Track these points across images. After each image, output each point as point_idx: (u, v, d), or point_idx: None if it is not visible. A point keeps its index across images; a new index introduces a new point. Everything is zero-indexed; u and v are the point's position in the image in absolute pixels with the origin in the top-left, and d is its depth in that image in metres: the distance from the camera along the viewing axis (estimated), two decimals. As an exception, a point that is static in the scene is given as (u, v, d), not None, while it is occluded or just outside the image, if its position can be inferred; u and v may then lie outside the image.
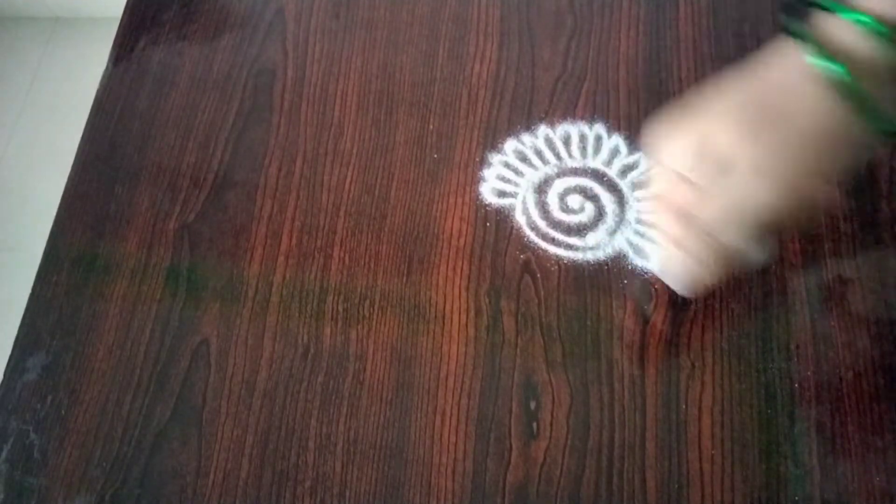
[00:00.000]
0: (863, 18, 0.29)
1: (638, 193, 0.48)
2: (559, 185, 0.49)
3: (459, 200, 0.49)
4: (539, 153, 0.50)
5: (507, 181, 0.49)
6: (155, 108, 0.55)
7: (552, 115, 0.51)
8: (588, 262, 0.46)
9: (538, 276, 0.46)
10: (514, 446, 0.42)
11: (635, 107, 0.50)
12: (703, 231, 0.34)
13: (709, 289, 0.39)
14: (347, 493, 0.42)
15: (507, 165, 0.50)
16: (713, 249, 0.35)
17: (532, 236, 0.47)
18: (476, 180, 0.50)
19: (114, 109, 0.55)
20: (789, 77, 0.31)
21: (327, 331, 0.46)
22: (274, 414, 0.44)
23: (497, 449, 0.42)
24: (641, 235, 0.46)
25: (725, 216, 0.33)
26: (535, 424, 0.42)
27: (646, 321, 0.44)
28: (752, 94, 0.32)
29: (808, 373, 0.42)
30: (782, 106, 0.31)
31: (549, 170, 0.49)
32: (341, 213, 0.50)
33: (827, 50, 0.30)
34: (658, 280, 0.45)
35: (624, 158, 0.49)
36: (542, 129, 0.51)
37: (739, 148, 0.32)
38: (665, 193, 0.36)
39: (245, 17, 0.58)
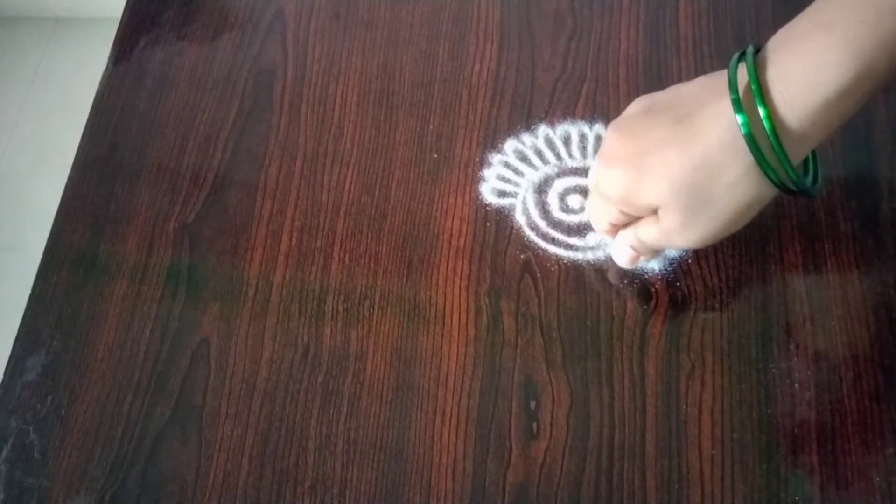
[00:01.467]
0: (742, 120, 0.33)
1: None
2: (559, 185, 0.49)
3: (459, 200, 0.49)
4: (539, 153, 0.50)
5: (507, 181, 0.49)
6: (155, 108, 0.55)
7: (552, 115, 0.51)
8: (588, 262, 0.46)
9: (538, 276, 0.46)
10: (514, 446, 0.42)
11: (635, 107, 0.50)
12: (635, 233, 0.40)
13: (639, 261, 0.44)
14: (347, 493, 0.42)
15: (507, 165, 0.50)
16: (642, 246, 0.41)
17: (532, 236, 0.47)
18: (476, 180, 0.50)
19: (114, 109, 0.55)
20: (719, 132, 0.34)
21: (327, 331, 0.46)
22: (274, 414, 0.44)
23: (497, 449, 0.42)
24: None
25: (650, 238, 0.39)
26: (535, 424, 0.42)
27: (646, 321, 0.44)
28: (685, 148, 0.35)
29: (808, 373, 0.42)
30: (709, 169, 0.34)
31: (549, 170, 0.49)
32: (341, 213, 0.50)
33: (743, 103, 0.33)
34: (658, 280, 0.45)
35: (624, 158, 0.49)
36: (542, 129, 0.51)
37: (665, 208, 0.36)
38: (599, 208, 0.41)
39: (245, 17, 0.58)
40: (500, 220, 0.48)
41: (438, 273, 0.47)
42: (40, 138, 1.55)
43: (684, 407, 0.42)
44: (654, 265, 0.45)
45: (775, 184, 0.34)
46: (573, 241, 0.47)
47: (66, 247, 0.51)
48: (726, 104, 0.34)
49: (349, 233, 0.49)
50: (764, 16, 0.53)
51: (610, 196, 0.39)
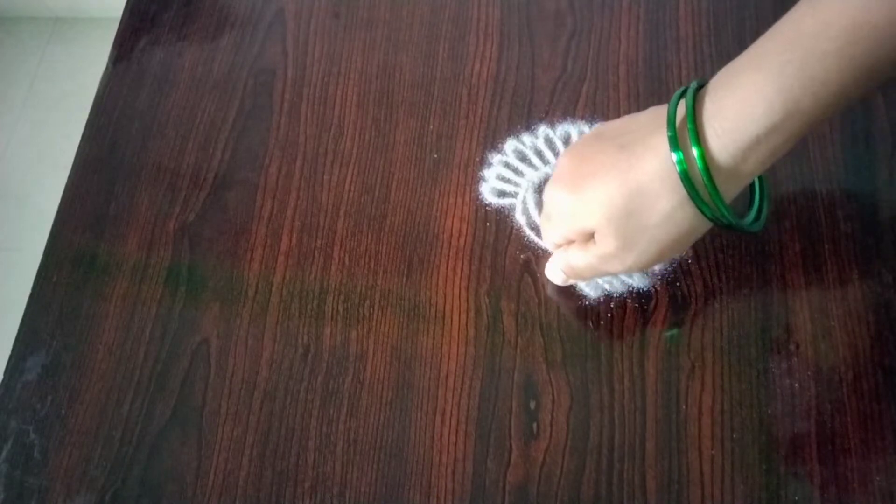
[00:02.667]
0: (678, 158, 0.34)
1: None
2: (559, 185, 0.49)
3: (459, 200, 0.49)
4: (539, 153, 0.50)
5: (507, 181, 0.49)
6: (155, 108, 0.55)
7: (552, 114, 0.51)
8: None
9: (538, 276, 0.46)
10: (514, 446, 0.42)
11: (635, 107, 0.50)
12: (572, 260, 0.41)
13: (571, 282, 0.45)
14: (347, 493, 0.42)
15: (507, 165, 0.50)
16: (569, 271, 0.42)
17: (532, 236, 0.47)
18: (476, 180, 0.50)
19: (114, 109, 0.55)
20: (656, 164, 0.35)
21: (327, 331, 0.46)
22: (274, 414, 0.44)
23: (497, 449, 0.42)
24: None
25: (583, 263, 0.40)
26: (535, 424, 0.42)
27: (646, 321, 0.44)
28: (622, 176, 0.36)
29: (808, 373, 0.42)
30: (644, 199, 0.35)
31: (549, 170, 0.49)
32: (341, 213, 0.50)
33: (680, 139, 0.34)
34: (658, 280, 0.45)
35: (624, 158, 0.49)
36: (542, 129, 0.51)
37: (601, 233, 0.37)
38: (547, 227, 0.42)
39: (245, 17, 0.58)
40: (500, 220, 0.48)
41: (438, 273, 0.47)
42: (40, 138, 1.55)
43: (684, 407, 0.42)
44: (591, 291, 0.45)
45: (709, 218, 0.35)
46: (573, 241, 0.47)
47: (66, 247, 0.51)
48: (665, 138, 0.34)
49: (349, 233, 0.49)
50: (764, 16, 0.53)
51: (552, 216, 0.40)
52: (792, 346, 0.43)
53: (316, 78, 0.55)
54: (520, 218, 0.48)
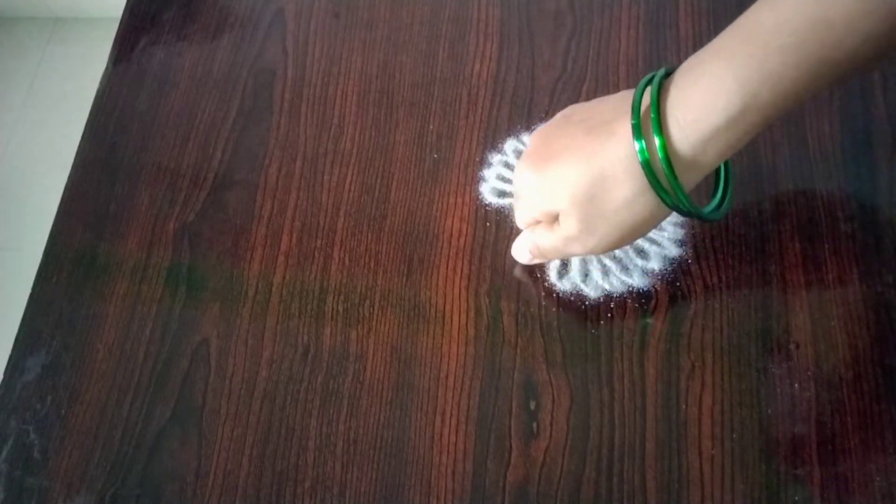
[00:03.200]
0: (639, 147, 0.34)
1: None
2: (559, 185, 0.49)
3: (459, 200, 0.49)
4: (539, 153, 0.50)
5: (507, 181, 0.49)
6: (155, 108, 0.55)
7: (552, 114, 0.51)
8: (587, 262, 0.46)
9: (538, 276, 0.46)
10: (514, 446, 0.42)
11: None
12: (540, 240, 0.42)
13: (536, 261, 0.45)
14: (347, 493, 0.42)
15: (507, 165, 0.50)
16: (535, 251, 0.43)
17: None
18: (476, 180, 0.50)
19: (114, 109, 0.55)
20: (619, 150, 0.35)
21: (327, 331, 0.46)
22: (274, 414, 0.44)
23: (497, 449, 0.42)
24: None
25: (547, 243, 0.41)
26: (535, 424, 0.42)
27: (646, 321, 0.44)
28: (587, 160, 0.36)
29: (808, 373, 0.42)
30: (606, 184, 0.36)
31: (549, 170, 0.49)
32: (341, 213, 0.50)
33: (643, 127, 0.34)
34: (658, 280, 0.45)
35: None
36: (542, 129, 0.51)
37: (565, 214, 0.38)
38: (517, 207, 0.43)
39: (245, 17, 0.58)
40: (500, 220, 0.48)
41: (438, 273, 0.47)
42: (40, 138, 1.56)
43: (684, 407, 0.42)
44: (591, 291, 0.45)
45: (668, 206, 0.36)
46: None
47: (66, 247, 0.51)
48: (629, 125, 0.35)
49: (349, 233, 0.49)
50: (764, 16, 0.52)
51: (520, 195, 0.41)
52: (792, 346, 0.43)
53: (316, 78, 0.55)
54: (520, 218, 0.48)
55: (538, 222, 0.42)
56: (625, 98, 0.37)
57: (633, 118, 0.35)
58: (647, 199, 0.36)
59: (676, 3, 0.53)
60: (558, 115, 0.40)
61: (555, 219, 0.40)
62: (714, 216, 0.39)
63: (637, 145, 0.34)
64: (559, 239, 0.40)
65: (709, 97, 0.33)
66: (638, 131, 0.34)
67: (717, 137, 0.34)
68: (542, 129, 0.40)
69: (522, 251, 0.45)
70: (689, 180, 0.36)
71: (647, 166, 0.34)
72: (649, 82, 0.36)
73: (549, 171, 0.38)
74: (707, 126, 0.33)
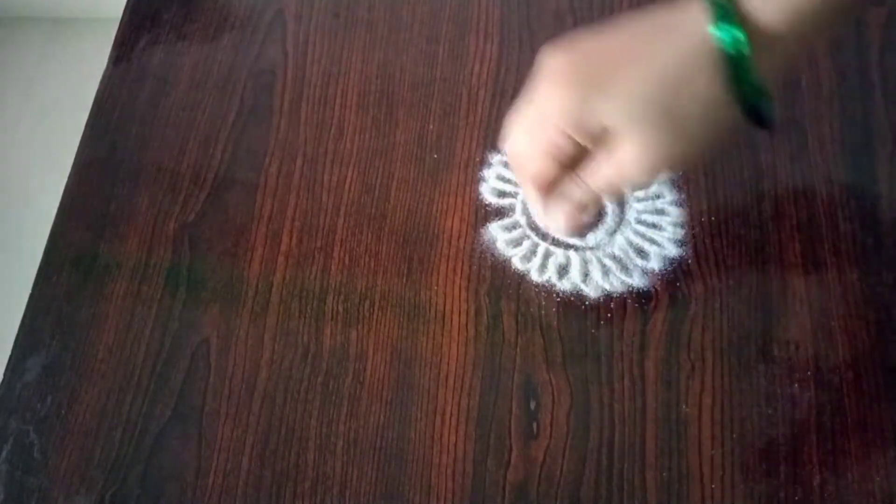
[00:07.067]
0: (724, 31, 0.30)
1: (638, 193, 0.48)
2: (559, 185, 0.48)
3: (459, 200, 0.49)
4: (539, 153, 0.50)
5: (507, 181, 0.49)
6: (155, 108, 0.55)
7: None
8: (588, 261, 0.46)
9: (538, 276, 0.46)
10: (514, 446, 0.42)
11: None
12: (579, 180, 0.34)
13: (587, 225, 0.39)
14: (347, 493, 0.42)
15: (507, 165, 0.50)
16: (590, 194, 0.35)
17: (532, 236, 0.47)
18: (476, 180, 0.50)
19: (114, 109, 0.55)
20: (689, 46, 0.31)
21: (327, 331, 0.46)
22: (274, 414, 0.44)
23: (497, 449, 0.42)
24: (641, 235, 0.46)
25: (601, 178, 0.33)
26: (535, 424, 0.42)
27: (646, 321, 0.44)
28: (649, 64, 0.31)
29: (808, 373, 0.42)
30: (675, 87, 0.31)
31: (549, 170, 0.49)
32: (341, 213, 0.50)
33: (732, 16, 0.30)
34: (658, 280, 0.45)
35: (624, 158, 0.49)
36: (542, 129, 0.50)
37: (623, 129, 0.32)
38: (527, 148, 0.35)
39: (245, 17, 0.58)
40: (501, 220, 0.48)
41: (438, 273, 0.47)
42: (40, 138, 1.55)
43: (684, 407, 0.42)
44: (591, 291, 0.44)
45: (742, 99, 0.31)
46: (573, 241, 0.47)
47: (66, 247, 0.51)
48: (694, 19, 0.31)
49: (349, 233, 0.49)
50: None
51: (558, 114, 0.32)
52: (792, 347, 0.43)
53: (316, 78, 0.55)
54: (520, 218, 0.48)
55: (559, 173, 0.34)
56: (662, 14, 0.32)
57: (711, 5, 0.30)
58: (717, 98, 0.31)
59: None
60: (569, 44, 0.33)
61: (599, 143, 0.33)
62: (772, 122, 0.33)
63: (719, 32, 0.30)
64: (612, 167, 0.33)
65: None
66: (721, 12, 0.30)
67: (801, 14, 0.30)
68: (560, 50, 0.33)
69: (561, 216, 0.35)
70: (771, 68, 0.31)
71: (732, 51, 0.30)
72: None
73: (601, 82, 0.31)
74: (791, 23, 0.30)
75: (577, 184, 0.34)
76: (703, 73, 0.31)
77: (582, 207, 0.35)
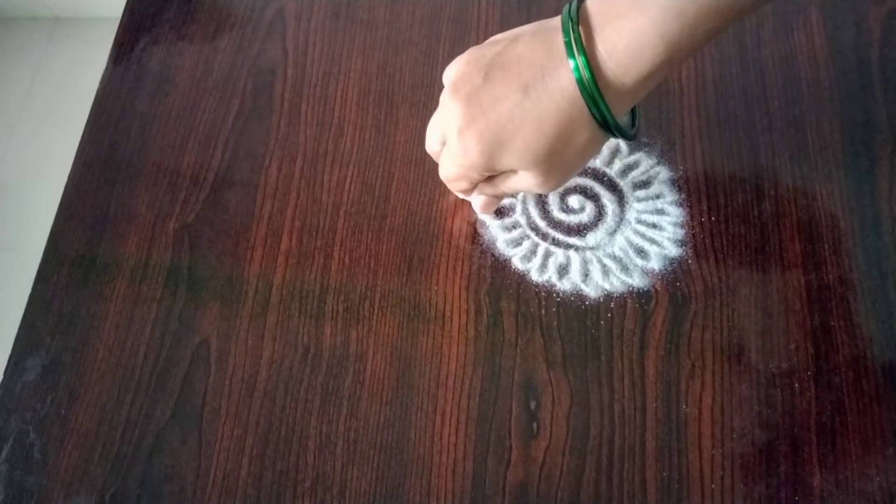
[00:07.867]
0: (577, 70, 0.35)
1: (638, 193, 0.48)
2: (559, 185, 0.49)
3: (459, 200, 0.49)
4: (539, 153, 0.50)
5: (507, 181, 0.49)
6: (155, 108, 0.55)
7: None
8: (588, 261, 0.46)
9: (539, 276, 0.46)
10: (514, 446, 0.42)
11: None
12: (492, 184, 0.43)
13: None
14: (347, 493, 0.42)
15: (507, 165, 0.50)
16: (499, 194, 0.45)
17: (532, 236, 0.47)
18: (476, 180, 0.50)
19: (114, 109, 0.55)
20: (565, 104, 0.36)
21: (327, 331, 0.46)
22: (274, 414, 0.44)
23: (497, 449, 0.42)
24: (641, 235, 0.46)
25: (506, 187, 0.42)
26: (535, 424, 0.42)
27: (646, 321, 0.44)
28: (541, 126, 0.37)
29: (808, 373, 0.42)
30: (563, 141, 0.37)
31: (549, 170, 0.49)
32: (341, 213, 0.50)
33: (582, 45, 0.35)
34: (658, 280, 0.45)
35: (624, 158, 0.49)
36: (542, 129, 0.50)
37: (525, 170, 0.39)
38: (458, 174, 0.42)
39: (245, 17, 0.58)
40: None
41: (438, 273, 0.47)
42: (40, 138, 1.56)
43: (684, 407, 0.42)
44: (591, 291, 0.45)
45: (601, 126, 0.37)
46: (573, 240, 0.47)
47: (66, 247, 0.51)
48: (566, 74, 0.35)
49: (349, 233, 0.49)
50: (764, 14, 0.53)
51: (472, 164, 0.40)
52: (792, 346, 0.43)
53: (316, 78, 0.55)
54: (520, 218, 0.48)
55: (479, 180, 0.43)
56: (542, 39, 0.37)
57: (564, 36, 0.35)
58: (597, 139, 0.38)
59: (676, 3, 0.53)
60: (466, 69, 0.39)
61: (507, 172, 0.41)
62: (630, 135, 0.40)
63: (572, 63, 0.35)
64: (518, 184, 0.41)
65: (636, 51, 0.34)
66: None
67: (647, 80, 0.35)
68: (461, 94, 0.38)
69: (481, 204, 0.46)
70: (620, 110, 0.37)
71: (583, 85, 0.35)
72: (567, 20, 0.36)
73: (503, 140, 0.38)
74: (637, 74, 0.35)
75: (490, 185, 0.43)
76: (583, 127, 0.37)
77: (494, 201, 0.46)
